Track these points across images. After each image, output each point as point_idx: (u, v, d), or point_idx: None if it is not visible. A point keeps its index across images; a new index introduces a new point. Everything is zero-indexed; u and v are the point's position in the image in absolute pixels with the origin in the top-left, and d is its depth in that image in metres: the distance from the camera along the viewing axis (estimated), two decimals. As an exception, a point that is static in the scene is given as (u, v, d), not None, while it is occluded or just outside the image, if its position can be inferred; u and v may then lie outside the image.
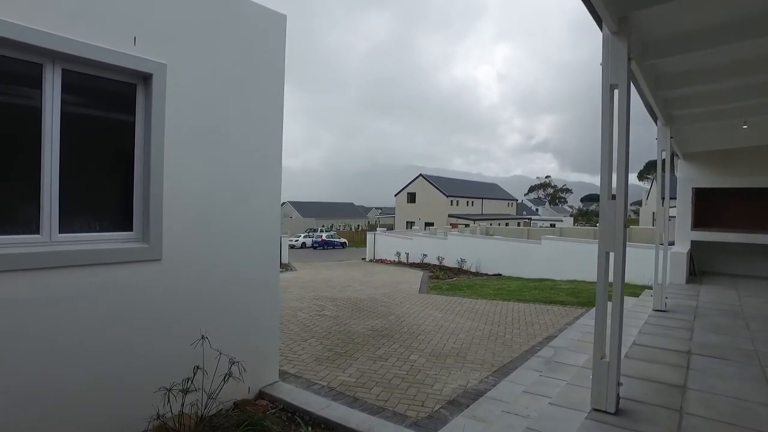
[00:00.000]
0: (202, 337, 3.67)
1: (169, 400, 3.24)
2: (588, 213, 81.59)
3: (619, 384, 3.23)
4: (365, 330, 8.06)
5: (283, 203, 75.15)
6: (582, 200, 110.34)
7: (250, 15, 4.48)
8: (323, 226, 61.37)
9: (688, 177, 10.35)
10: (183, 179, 3.90)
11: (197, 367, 3.46)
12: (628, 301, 8.88)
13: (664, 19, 3.75)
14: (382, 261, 27.57)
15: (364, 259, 29.88)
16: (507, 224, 53.39)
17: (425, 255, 24.76)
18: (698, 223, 10.31)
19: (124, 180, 3.70)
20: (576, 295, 11.94)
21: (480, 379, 5.56)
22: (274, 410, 4.32)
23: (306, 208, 74.47)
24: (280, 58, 4.79)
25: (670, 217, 9.61)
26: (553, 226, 51.59)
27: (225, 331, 4.19)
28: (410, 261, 25.50)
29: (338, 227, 65.58)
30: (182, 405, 3.31)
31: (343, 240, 48.89)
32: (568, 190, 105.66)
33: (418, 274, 19.47)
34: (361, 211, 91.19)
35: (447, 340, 7.42)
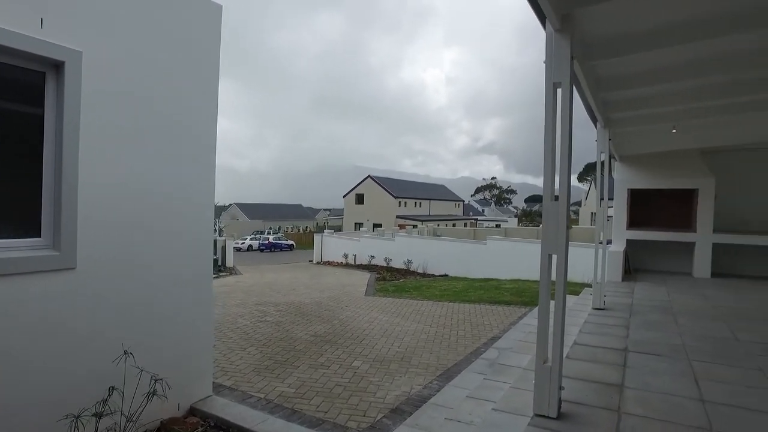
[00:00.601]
0: (125, 353, 3.32)
1: (77, 429, 2.87)
2: (531, 213, 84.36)
3: (560, 388, 3.18)
4: (308, 336, 7.79)
5: (230, 205, 73.06)
6: (526, 201, 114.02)
7: (182, 2, 4.14)
8: (270, 228, 60.15)
9: (624, 178, 10.76)
10: (102, 178, 3.50)
11: (112, 387, 3.11)
12: (570, 299, 9.07)
13: (604, 21, 3.77)
14: (329, 263, 27.27)
15: (311, 261, 29.49)
16: (454, 225, 54.27)
17: (373, 256, 24.67)
18: (633, 222, 10.73)
19: (30, 181, 3.27)
20: (520, 295, 12.15)
21: (424, 384, 5.44)
22: (204, 427, 4.00)
23: (253, 210, 72.67)
24: (214, 50, 4.48)
25: (608, 217, 9.95)
26: (498, 226, 52.95)
27: (152, 344, 3.83)
28: (358, 263, 25.35)
29: (286, 229, 64.55)
30: (95, 432, 2.95)
31: (290, 242, 48.12)
32: (513, 192, 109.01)
33: (365, 276, 19.31)
34: (310, 212, 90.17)
35: (392, 345, 7.27)
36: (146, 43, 3.81)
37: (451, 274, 20.08)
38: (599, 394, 3.63)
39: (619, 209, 10.78)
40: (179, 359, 4.12)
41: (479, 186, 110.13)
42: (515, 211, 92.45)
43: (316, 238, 30.57)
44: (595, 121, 6.22)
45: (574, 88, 4.83)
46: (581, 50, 4.05)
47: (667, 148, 10.12)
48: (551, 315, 3.18)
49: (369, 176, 60.61)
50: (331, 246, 28.81)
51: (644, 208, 11.01)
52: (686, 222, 10.39)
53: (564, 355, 4.65)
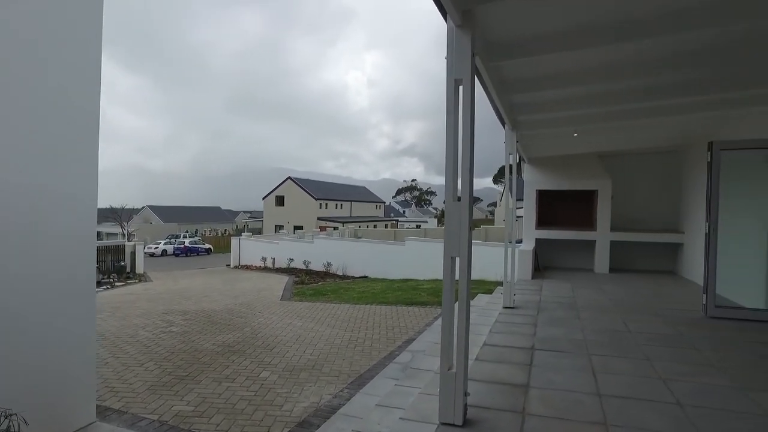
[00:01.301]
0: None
1: None
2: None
3: (466, 394, 3.09)
4: (215, 346, 7.29)
5: (142, 208, 68.40)
6: (445, 202, 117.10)
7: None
8: (187, 231, 57.03)
9: (533, 180, 11.23)
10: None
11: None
12: (483, 298, 9.29)
13: (506, 20, 3.77)
14: (247, 267, 26.38)
15: (228, 265, 28.39)
16: (375, 226, 54.57)
17: (292, 259, 24.16)
18: (541, 222, 11.23)
19: None
20: (437, 295, 12.31)
21: (334, 393, 5.23)
22: (79, 461, 3.51)
23: (168, 213, 68.48)
24: (95, 23, 3.93)
25: (518, 217, 10.31)
26: (418, 227, 54.02)
27: (13, 370, 3.26)
28: (276, 266, 24.71)
29: (203, 232, 61.65)
30: None
31: (208, 246, 45.95)
32: (433, 193, 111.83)
33: (283, 280, 18.83)
34: (229, 215, 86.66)
35: (304, 352, 6.99)
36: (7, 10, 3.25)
37: (371, 275, 20.05)
38: (505, 396, 3.61)
39: (528, 210, 11.23)
40: (50, 384, 3.58)
41: (400, 188, 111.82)
42: (435, 211, 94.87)
43: (233, 241, 29.46)
44: (503, 122, 6.34)
45: (481, 87, 4.88)
46: (485, 49, 4.04)
47: (569, 152, 10.71)
48: (455, 321, 3.08)
49: (289, 178, 59.41)
50: (249, 249, 27.90)
51: (552, 208, 11.57)
52: (588, 221, 11.04)
53: (474, 358, 4.66)
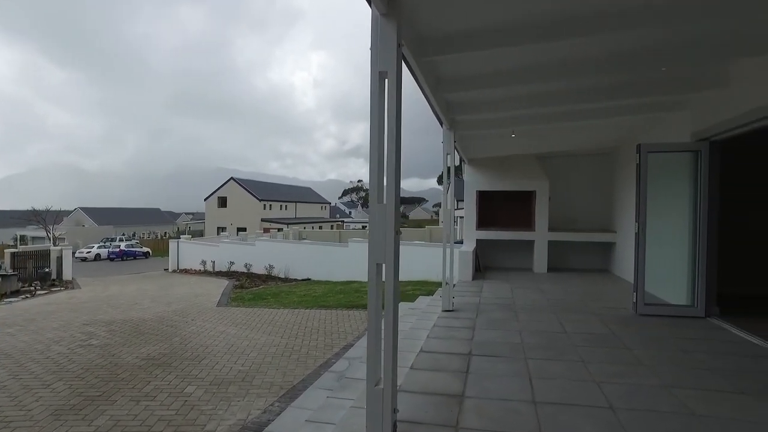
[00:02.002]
0: None
1: None
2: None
3: (395, 411, 2.88)
4: (138, 360, 6.75)
5: (74, 209, 64.16)
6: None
7: None
8: (123, 234, 54.03)
9: (473, 180, 11.27)
10: None
11: None
12: (423, 300, 9.18)
13: (436, 12, 3.60)
14: (186, 271, 25.32)
15: (167, 269, 27.12)
16: (321, 227, 53.97)
17: (233, 263, 23.37)
18: (482, 222, 11.29)
19: None
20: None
21: (264, 407, 4.90)
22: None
23: (102, 215, 64.59)
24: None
25: (460, 217, 10.29)
26: (365, 227, 53.82)
27: None
28: (217, 270, 23.82)
29: (141, 235, 58.68)
30: None
31: (146, 249, 43.72)
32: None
33: (223, 284, 18.12)
34: (170, 217, 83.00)
35: (235, 362, 6.59)
36: None
37: (314, 277, 19.64)
38: (439, 409, 3.43)
39: (469, 210, 11.26)
40: None
41: (347, 188, 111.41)
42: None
43: (172, 244, 28.17)
44: (440, 122, 6.21)
45: (417, 84, 4.71)
46: (417, 43, 3.86)
47: (508, 153, 10.84)
48: (383, 333, 2.86)
49: (232, 178, 57.69)
50: (189, 253, 26.80)
51: (492, 209, 11.67)
52: (527, 222, 11.22)
53: (409, 366, 4.47)
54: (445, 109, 5.89)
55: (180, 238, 30.20)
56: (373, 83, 2.70)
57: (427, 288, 11.70)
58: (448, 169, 6.51)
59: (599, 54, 4.69)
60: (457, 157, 10.19)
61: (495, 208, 11.73)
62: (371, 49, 2.75)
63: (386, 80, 2.73)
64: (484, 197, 11.44)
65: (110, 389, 5.55)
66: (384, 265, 2.79)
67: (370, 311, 2.87)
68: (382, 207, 2.76)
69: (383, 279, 2.86)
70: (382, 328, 2.86)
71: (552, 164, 11.43)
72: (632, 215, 6.73)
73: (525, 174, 10.98)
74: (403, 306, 9.49)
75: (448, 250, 6.68)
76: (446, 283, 6.70)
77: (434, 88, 4.98)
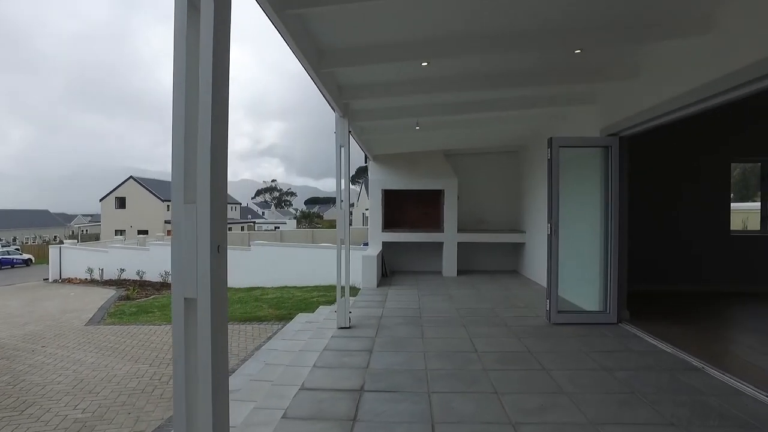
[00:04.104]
0: None
1: None
2: (310, 215, 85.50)
3: None
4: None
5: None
6: (306, 203, 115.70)
7: None
8: (1, 240, 47.42)
9: (379, 179, 10.46)
10: None
11: None
12: (322, 312, 8.20)
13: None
14: (70, 281, 22.29)
15: (47, 279, 23.60)
16: (231, 229, 51.08)
17: (123, 270, 20.87)
18: (388, 223, 10.53)
19: None
20: (279, 306, 10.97)
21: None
22: None
23: (-24, 218, 56.37)
24: None
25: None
26: (277, 228, 51.72)
27: None
28: (106, 278, 21.16)
29: (25, 240, 51.88)
30: None
31: (27, 257, 38.23)
32: (293, 194, 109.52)
33: (106, 296, 15.97)
34: (61, 219, 74.35)
35: (76, 406, 5.18)
36: None
37: (214, 285, 17.90)
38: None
39: (374, 210, 10.44)
40: None
41: (260, 188, 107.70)
42: (295, 212, 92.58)
43: (52, 251, 24.50)
44: (332, 107, 5.23)
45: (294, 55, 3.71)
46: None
47: (414, 149, 10.15)
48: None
49: (131, 177, 52.92)
50: (73, 259, 23.56)
51: (399, 208, 10.94)
52: (435, 222, 10.62)
53: (283, 413, 3.47)
54: (336, 93, 4.94)
55: (62, 243, 26.63)
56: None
57: (333, 295, 10.73)
58: (340, 164, 5.53)
59: (503, 30, 4.00)
60: (363, 155, 9.34)
61: (402, 209, 11.01)
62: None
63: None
64: (390, 196, 10.68)
65: None
66: (198, 301, 1.76)
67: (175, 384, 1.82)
68: (192, 208, 1.72)
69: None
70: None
71: (460, 162, 10.91)
72: (540, 215, 6.23)
73: (433, 172, 10.36)
74: (300, 318, 8.45)
75: (343, 256, 5.76)
76: (342, 296, 5.76)
77: (317, 62, 4.01)
